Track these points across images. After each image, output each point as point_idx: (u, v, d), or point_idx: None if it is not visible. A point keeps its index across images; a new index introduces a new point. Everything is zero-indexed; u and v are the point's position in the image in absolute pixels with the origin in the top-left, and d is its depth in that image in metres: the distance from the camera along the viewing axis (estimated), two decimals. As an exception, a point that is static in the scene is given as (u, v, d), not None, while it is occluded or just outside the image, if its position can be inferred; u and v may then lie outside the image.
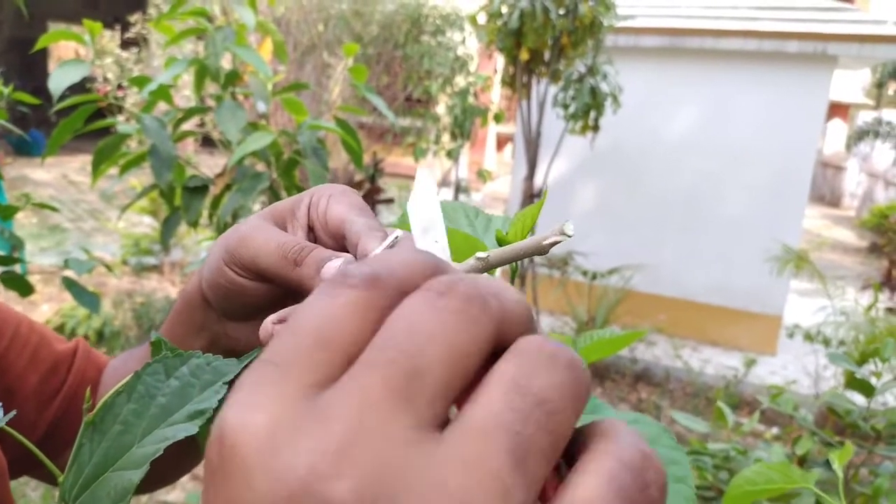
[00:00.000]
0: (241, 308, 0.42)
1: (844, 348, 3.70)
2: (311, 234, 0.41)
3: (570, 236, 0.31)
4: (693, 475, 1.38)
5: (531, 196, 4.58)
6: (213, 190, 1.94)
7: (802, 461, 1.33)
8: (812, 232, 11.41)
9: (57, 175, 9.42)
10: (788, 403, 1.28)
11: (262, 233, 0.38)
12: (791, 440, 1.38)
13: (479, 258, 0.33)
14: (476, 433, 0.16)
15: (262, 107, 1.85)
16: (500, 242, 0.48)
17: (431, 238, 0.27)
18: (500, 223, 0.53)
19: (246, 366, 0.39)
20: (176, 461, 0.58)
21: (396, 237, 0.34)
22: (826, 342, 3.91)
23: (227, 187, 1.93)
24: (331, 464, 0.15)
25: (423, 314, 0.18)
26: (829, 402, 1.37)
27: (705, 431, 1.35)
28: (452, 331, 0.17)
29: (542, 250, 0.33)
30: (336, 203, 0.39)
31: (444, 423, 0.17)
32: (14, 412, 0.41)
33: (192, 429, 0.40)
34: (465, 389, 0.18)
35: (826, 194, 15.00)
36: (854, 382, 1.35)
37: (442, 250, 0.27)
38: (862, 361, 1.53)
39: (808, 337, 4.04)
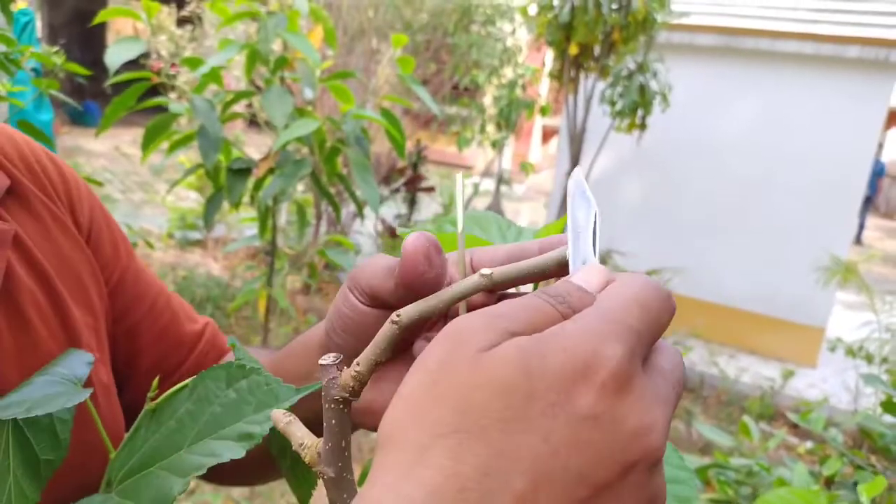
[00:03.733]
0: (355, 345, 0.41)
1: (887, 366, 3.60)
2: None
3: (566, 257, 0.35)
4: (714, 488, 1.37)
5: (573, 192, 4.55)
6: (257, 172, 1.98)
7: (830, 482, 1.30)
8: (863, 243, 11.06)
9: (110, 147, 9.67)
10: (819, 422, 1.26)
11: (379, 258, 0.40)
12: (819, 459, 1.35)
13: (482, 275, 0.34)
14: (624, 303, 0.29)
15: (308, 93, 1.87)
16: None
17: (582, 232, 0.35)
18: (530, 236, 0.54)
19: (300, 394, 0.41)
20: (261, 468, 0.61)
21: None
22: (869, 359, 3.80)
23: (270, 171, 1.97)
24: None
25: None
26: (862, 424, 1.34)
27: (730, 445, 1.34)
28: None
29: (546, 270, 0.35)
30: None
31: None
32: (91, 390, 0.42)
33: (238, 451, 0.40)
34: None
35: (881, 205, 14.52)
36: (890, 406, 1.32)
37: (585, 240, 0.35)
38: (901, 384, 1.49)
39: (850, 352, 3.93)
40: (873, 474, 1.32)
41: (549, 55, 4.65)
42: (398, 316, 0.34)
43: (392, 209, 6.46)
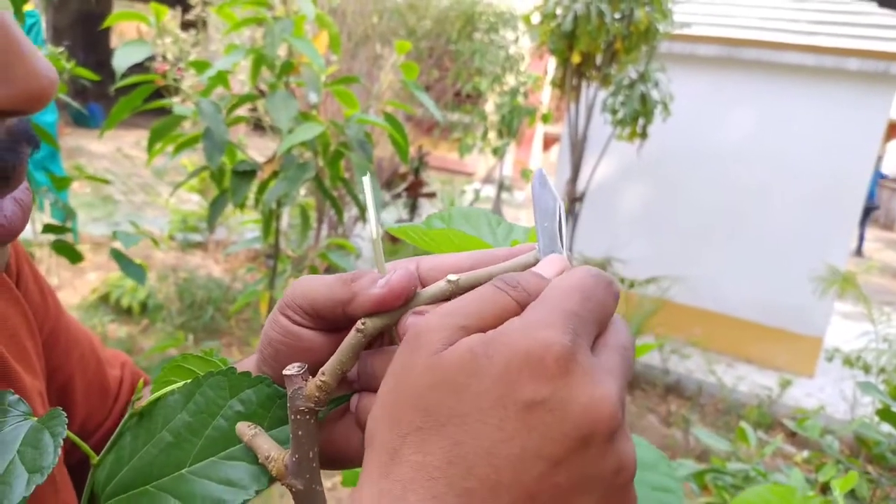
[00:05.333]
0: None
1: (884, 376, 3.61)
2: None
3: (539, 259, 0.35)
4: (711, 492, 1.38)
5: (573, 200, 4.56)
6: (261, 175, 2.00)
7: (825, 489, 1.32)
8: (863, 254, 11.08)
9: (112, 148, 9.71)
10: (815, 429, 1.27)
11: (319, 276, 0.39)
12: (815, 467, 1.36)
13: (449, 281, 0.35)
14: (564, 290, 0.31)
15: (313, 98, 1.89)
16: None
17: (548, 225, 0.36)
18: (520, 234, 0.54)
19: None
20: None
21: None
22: (866, 368, 3.81)
23: (275, 174, 1.98)
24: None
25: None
26: (857, 432, 1.35)
27: (727, 450, 1.35)
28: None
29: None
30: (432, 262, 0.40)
31: None
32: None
33: (261, 480, 0.36)
34: None
35: (880, 216, 14.54)
36: (886, 414, 1.33)
37: (552, 233, 0.36)
38: (896, 393, 1.50)
39: (848, 362, 3.95)
40: (868, 481, 1.33)
41: (552, 63, 4.68)
42: (363, 324, 0.34)
43: (393, 214, 6.48)
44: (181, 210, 6.15)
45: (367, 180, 0.37)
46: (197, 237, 5.99)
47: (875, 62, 4.66)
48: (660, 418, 4.39)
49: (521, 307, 0.32)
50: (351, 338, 0.35)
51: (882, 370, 3.58)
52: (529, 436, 0.27)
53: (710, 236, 5.42)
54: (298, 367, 0.35)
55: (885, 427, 1.48)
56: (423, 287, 0.37)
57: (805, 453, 3.78)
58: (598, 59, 4.20)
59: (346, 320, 0.37)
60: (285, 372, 0.35)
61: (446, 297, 0.35)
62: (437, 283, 0.35)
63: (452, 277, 0.35)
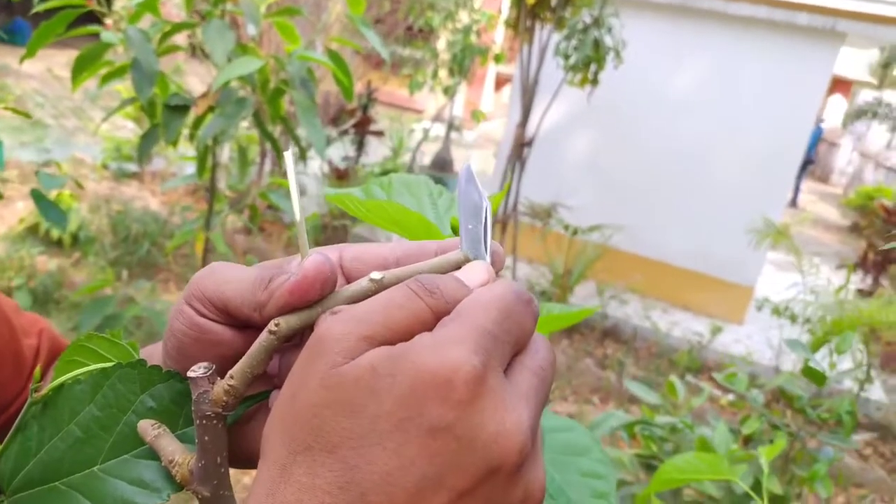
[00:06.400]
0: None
1: (809, 326, 3.79)
2: None
3: (470, 259, 0.33)
4: (640, 443, 1.43)
5: (522, 144, 4.54)
6: (196, 110, 1.90)
7: (748, 440, 1.37)
8: (798, 206, 11.49)
9: (42, 68, 9.14)
10: (742, 383, 1.32)
11: (234, 267, 0.35)
12: (739, 419, 1.42)
13: (372, 280, 0.32)
14: (484, 305, 0.29)
15: (252, 30, 1.79)
16: (454, 231, 0.48)
17: (472, 227, 0.33)
18: None
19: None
20: None
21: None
22: (793, 318, 3.99)
23: (211, 109, 1.89)
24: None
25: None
26: (781, 386, 1.41)
27: (656, 403, 1.39)
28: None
29: (444, 273, 0.33)
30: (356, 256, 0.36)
31: None
32: None
33: (172, 484, 0.33)
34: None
35: (816, 169, 15.04)
36: (808, 371, 1.38)
37: (476, 236, 0.33)
38: (818, 346, 1.56)
39: (776, 311, 4.12)
40: (788, 434, 1.40)
41: (506, 2, 4.57)
42: (276, 325, 0.31)
43: (340, 151, 6.34)
44: (115, 137, 5.87)
45: (289, 156, 0.33)
46: (132, 167, 5.75)
47: (823, 18, 4.71)
48: (596, 361, 4.52)
49: (436, 317, 0.29)
50: (263, 339, 0.32)
51: (807, 320, 3.75)
52: (431, 463, 0.25)
53: (654, 186, 5.50)
54: (205, 367, 0.32)
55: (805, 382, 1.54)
56: (347, 279, 0.34)
57: (731, 396, 3.97)
58: (553, 1, 4.12)
59: (260, 321, 0.33)
60: (189, 374, 0.32)
61: (368, 298, 0.32)
62: (359, 282, 0.32)
63: (376, 276, 0.32)
